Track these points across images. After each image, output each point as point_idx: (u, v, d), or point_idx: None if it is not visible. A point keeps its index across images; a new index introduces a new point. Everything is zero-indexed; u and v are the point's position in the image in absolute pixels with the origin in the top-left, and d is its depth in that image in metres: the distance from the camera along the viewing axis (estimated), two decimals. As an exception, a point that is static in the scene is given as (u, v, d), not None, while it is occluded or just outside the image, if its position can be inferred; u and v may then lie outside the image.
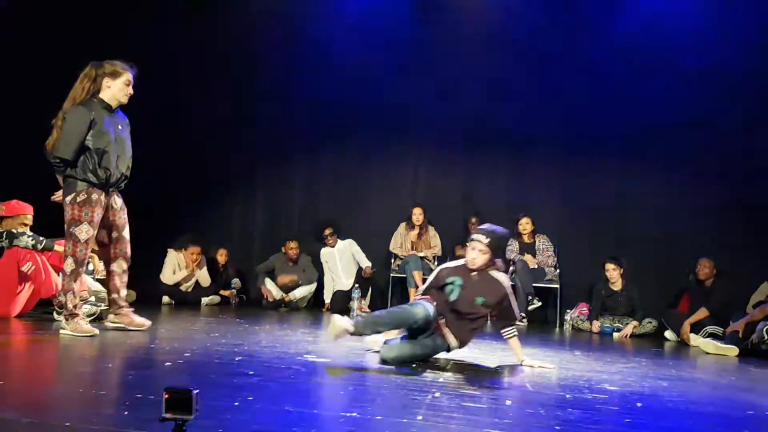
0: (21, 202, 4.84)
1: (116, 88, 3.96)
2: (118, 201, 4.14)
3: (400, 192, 7.88)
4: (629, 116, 7.25)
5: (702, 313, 5.92)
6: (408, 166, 7.94)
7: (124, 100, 4.01)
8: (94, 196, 3.91)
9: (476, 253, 3.68)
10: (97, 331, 3.99)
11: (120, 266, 4.19)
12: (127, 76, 3.98)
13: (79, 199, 3.88)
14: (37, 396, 2.48)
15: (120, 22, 7.24)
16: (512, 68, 7.53)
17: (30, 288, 4.61)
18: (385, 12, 7.79)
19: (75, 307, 3.94)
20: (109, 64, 3.97)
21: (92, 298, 4.87)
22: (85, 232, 3.90)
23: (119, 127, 4.03)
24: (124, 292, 4.24)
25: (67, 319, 3.95)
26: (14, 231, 4.59)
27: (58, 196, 4.07)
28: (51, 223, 5.00)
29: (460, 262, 3.82)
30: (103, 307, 4.75)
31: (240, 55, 7.87)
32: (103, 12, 7.23)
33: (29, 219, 4.80)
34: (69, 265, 3.94)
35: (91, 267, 5.15)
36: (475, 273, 3.71)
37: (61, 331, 3.96)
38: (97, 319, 4.61)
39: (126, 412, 2.18)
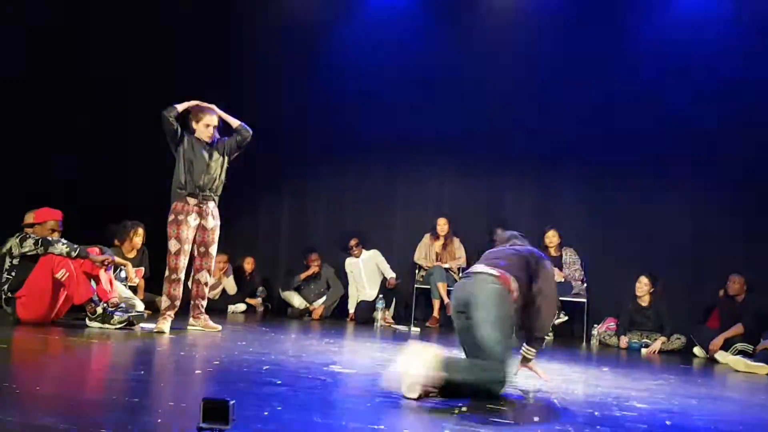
0: (50, 209, 4.92)
1: (199, 129, 4.79)
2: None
3: (425, 203, 7.88)
4: (657, 129, 7.19)
5: (737, 329, 5.84)
6: (433, 176, 7.95)
7: (206, 138, 4.79)
8: (181, 216, 4.73)
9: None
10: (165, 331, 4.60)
11: (203, 277, 4.88)
12: (205, 120, 4.75)
13: (170, 218, 4.82)
14: (72, 403, 2.53)
15: (145, 31, 7.39)
16: (538, 81, 7.52)
17: (63, 294, 4.70)
18: (411, 25, 7.84)
19: (166, 308, 4.74)
20: (195, 109, 4.77)
21: (122, 305, 4.96)
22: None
23: (210, 152, 4.83)
24: (203, 300, 4.92)
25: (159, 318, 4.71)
26: (49, 239, 4.69)
27: None
28: (76, 232, 5.14)
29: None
30: (133, 314, 4.84)
31: (264, 64, 7.96)
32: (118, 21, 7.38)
33: (58, 225, 4.88)
34: (166, 272, 4.78)
35: (123, 274, 5.26)
36: None
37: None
38: (129, 324, 4.69)
39: (159, 420, 2.23)
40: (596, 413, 2.93)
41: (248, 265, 7.64)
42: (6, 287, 4.68)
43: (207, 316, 4.97)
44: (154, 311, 6.10)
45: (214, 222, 4.83)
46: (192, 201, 4.71)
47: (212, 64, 7.79)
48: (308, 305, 7.34)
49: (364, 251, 7.46)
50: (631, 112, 7.27)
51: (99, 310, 4.70)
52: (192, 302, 4.91)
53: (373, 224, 7.83)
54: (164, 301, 4.73)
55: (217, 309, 6.93)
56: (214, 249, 4.88)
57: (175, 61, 7.46)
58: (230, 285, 7.22)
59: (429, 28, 7.84)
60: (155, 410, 2.38)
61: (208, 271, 4.88)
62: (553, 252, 7.14)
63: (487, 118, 7.58)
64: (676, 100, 7.12)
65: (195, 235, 4.77)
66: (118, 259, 5.09)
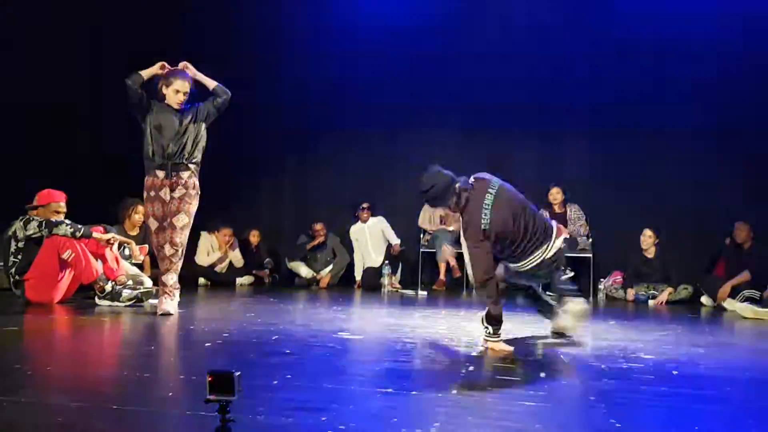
0: (53, 190, 4.90)
1: (169, 95, 4.41)
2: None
3: (427, 166, 7.81)
4: (659, 80, 7.08)
5: (744, 275, 5.84)
6: (434, 138, 7.87)
7: (176, 105, 4.41)
8: (152, 193, 4.40)
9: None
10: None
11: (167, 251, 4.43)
12: (175, 85, 4.38)
13: (145, 196, 4.45)
14: (84, 380, 2.57)
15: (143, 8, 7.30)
16: (540, 36, 7.39)
17: (70, 274, 4.73)
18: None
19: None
20: (165, 75, 4.41)
21: (130, 282, 4.99)
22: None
23: (180, 119, 4.42)
24: (165, 276, 4.41)
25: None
26: (53, 220, 4.70)
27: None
28: (84, 213, 5.14)
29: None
30: (142, 290, 4.87)
31: (263, 35, 7.86)
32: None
33: (62, 207, 4.85)
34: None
35: (127, 252, 5.27)
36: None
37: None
38: (138, 301, 4.72)
39: (170, 394, 2.26)
40: (603, 366, 2.95)
41: (254, 237, 7.65)
42: (13, 270, 4.71)
43: (166, 297, 4.36)
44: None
45: (183, 191, 4.39)
46: (161, 174, 4.36)
47: (211, 32, 7.69)
48: (315, 274, 7.37)
49: (370, 218, 7.46)
50: (631, 65, 7.15)
51: (107, 288, 4.73)
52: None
53: (376, 190, 7.79)
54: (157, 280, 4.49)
55: (224, 282, 6.99)
56: (180, 219, 4.37)
57: (174, 30, 7.39)
58: (237, 258, 7.25)
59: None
60: (166, 384, 2.41)
61: (171, 243, 4.36)
62: (557, 209, 7.12)
63: (488, 77, 7.46)
64: (676, 51, 7.00)
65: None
66: (121, 238, 5.10)
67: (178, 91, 4.39)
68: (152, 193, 4.38)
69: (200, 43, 7.47)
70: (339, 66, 7.72)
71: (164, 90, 4.42)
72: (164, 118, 4.37)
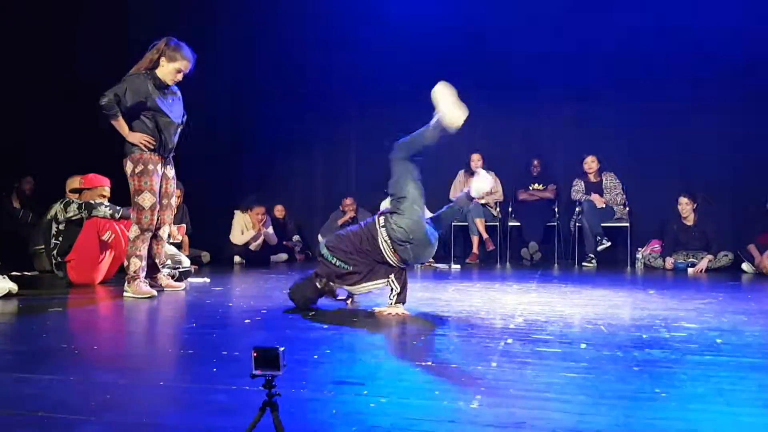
0: (98, 175, 5.01)
1: (167, 71, 4.10)
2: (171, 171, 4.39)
3: (457, 138, 7.71)
4: (694, 51, 6.89)
5: None
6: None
7: (170, 83, 4.16)
8: (150, 166, 4.14)
9: None
10: (155, 293, 4.17)
11: (165, 232, 4.47)
12: (181, 64, 4.09)
13: (138, 170, 4.11)
14: (129, 358, 2.63)
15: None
16: (572, 5, 7.22)
17: (111, 255, 4.82)
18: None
19: (137, 270, 4.16)
20: (173, 47, 4.10)
21: (169, 262, 5.07)
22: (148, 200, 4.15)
23: (170, 101, 4.23)
24: (163, 258, 4.54)
25: (128, 282, 4.16)
26: (92, 202, 4.79)
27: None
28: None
29: None
30: (181, 269, 4.96)
31: (291, 12, 7.85)
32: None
33: (107, 191, 4.97)
34: (133, 231, 4.20)
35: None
36: None
37: (124, 293, 4.15)
38: (177, 280, 4.80)
39: (215, 369, 2.29)
40: (644, 336, 2.92)
41: (279, 212, 7.74)
42: (55, 252, 4.83)
43: (167, 275, 4.58)
44: (200, 266, 6.27)
45: (173, 170, 4.39)
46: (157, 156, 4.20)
47: (239, 16, 7.70)
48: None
49: (400, 192, 7.43)
50: (666, 36, 6.97)
51: (147, 268, 4.82)
52: (151, 261, 4.43)
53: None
54: (136, 263, 4.17)
55: (259, 260, 7.07)
56: (174, 200, 4.53)
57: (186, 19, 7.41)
58: (270, 235, 7.32)
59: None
60: (210, 360, 2.44)
61: (170, 225, 4.51)
62: (592, 178, 7.01)
63: (518, 47, 7.34)
64: (713, 24, 6.79)
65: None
66: (159, 218, 5.17)
67: (180, 72, 4.10)
68: (150, 167, 4.13)
69: (231, 18, 7.48)
70: (366, 39, 7.67)
71: (164, 62, 4.07)
72: (169, 108, 4.14)
